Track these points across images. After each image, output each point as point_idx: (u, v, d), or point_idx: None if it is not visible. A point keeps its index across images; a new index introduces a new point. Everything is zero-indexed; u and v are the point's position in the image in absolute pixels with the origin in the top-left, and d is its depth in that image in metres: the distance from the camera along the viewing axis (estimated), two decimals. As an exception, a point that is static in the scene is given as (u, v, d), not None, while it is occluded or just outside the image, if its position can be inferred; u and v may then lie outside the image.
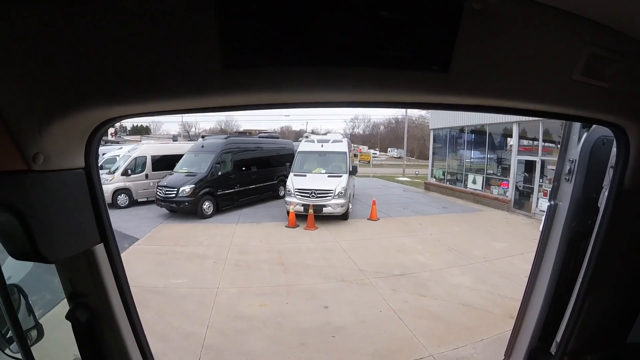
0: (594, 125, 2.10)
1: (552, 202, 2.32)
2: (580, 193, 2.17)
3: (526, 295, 2.46)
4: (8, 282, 2.41)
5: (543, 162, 21.04)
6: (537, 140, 21.70)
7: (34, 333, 2.86)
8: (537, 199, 21.01)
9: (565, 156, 2.28)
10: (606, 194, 1.90)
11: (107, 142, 34.75)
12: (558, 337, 2.19)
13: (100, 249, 1.76)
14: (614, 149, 1.82)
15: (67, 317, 1.81)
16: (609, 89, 1.49)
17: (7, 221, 1.34)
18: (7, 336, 2.92)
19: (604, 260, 1.89)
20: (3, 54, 1.20)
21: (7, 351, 2.97)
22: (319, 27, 1.26)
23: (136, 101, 1.37)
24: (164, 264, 12.65)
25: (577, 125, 2.21)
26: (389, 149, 79.52)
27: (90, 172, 1.64)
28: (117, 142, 38.62)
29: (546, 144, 21.15)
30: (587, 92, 1.49)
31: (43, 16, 1.18)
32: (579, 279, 2.04)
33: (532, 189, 21.62)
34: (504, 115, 19.29)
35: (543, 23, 1.33)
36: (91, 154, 1.62)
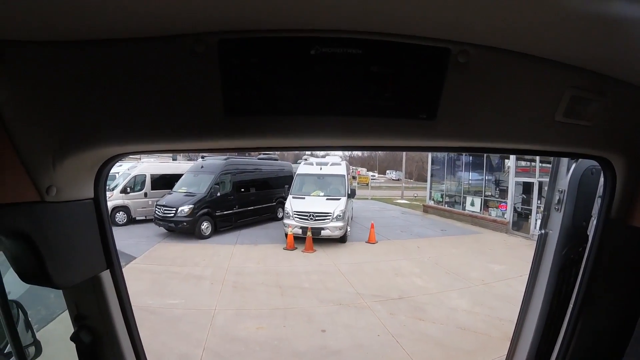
0: None
1: (543, 231, 2.37)
2: (569, 222, 2.21)
3: (520, 320, 2.49)
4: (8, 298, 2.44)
5: (541, 184, 21.08)
6: (535, 161, 21.77)
7: (32, 349, 2.87)
8: (536, 220, 20.91)
9: (554, 186, 2.33)
10: (595, 222, 1.94)
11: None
12: None
13: (106, 275, 1.83)
14: (602, 179, 1.88)
15: (72, 338, 1.86)
16: (593, 127, 1.57)
17: (20, 248, 1.41)
18: (5, 351, 2.93)
19: (594, 286, 1.93)
20: (21, 97, 1.29)
21: (3, 367, 2.97)
22: (313, 80, 1.35)
23: (144, 141, 1.46)
24: (160, 283, 12.60)
25: None
26: (387, 171, 79.42)
27: (99, 202, 1.72)
28: (117, 160, 38.54)
29: (544, 165, 21.20)
30: (571, 131, 1.57)
31: (60, 59, 1.27)
32: (571, 304, 2.07)
33: (531, 210, 21.63)
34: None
35: (524, 71, 1.42)
36: (100, 185, 1.71)
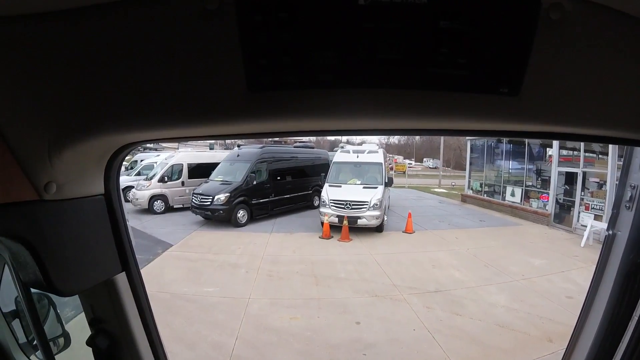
0: None
1: (611, 232, 2.11)
2: None
3: (577, 328, 2.27)
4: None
5: (584, 174, 20.20)
6: (578, 150, 20.86)
7: (61, 341, 2.86)
8: (579, 213, 20.15)
9: (626, 181, 2.05)
10: None
11: (145, 149, 35.75)
12: None
13: (121, 278, 1.71)
14: None
15: (88, 342, 1.79)
16: None
17: (19, 252, 1.28)
18: (34, 343, 2.94)
19: None
20: (7, 82, 1.11)
21: (32, 358, 2.98)
22: (362, 41, 1.03)
23: (154, 126, 1.21)
24: (196, 271, 12.76)
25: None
26: (424, 159, 78.61)
27: (111, 198, 1.57)
28: (155, 149, 39.61)
29: (587, 154, 20.30)
30: None
31: (49, 33, 1.07)
32: (634, 316, 1.84)
33: (573, 202, 20.77)
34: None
35: (625, 36, 1.07)
36: (111, 179, 1.56)
